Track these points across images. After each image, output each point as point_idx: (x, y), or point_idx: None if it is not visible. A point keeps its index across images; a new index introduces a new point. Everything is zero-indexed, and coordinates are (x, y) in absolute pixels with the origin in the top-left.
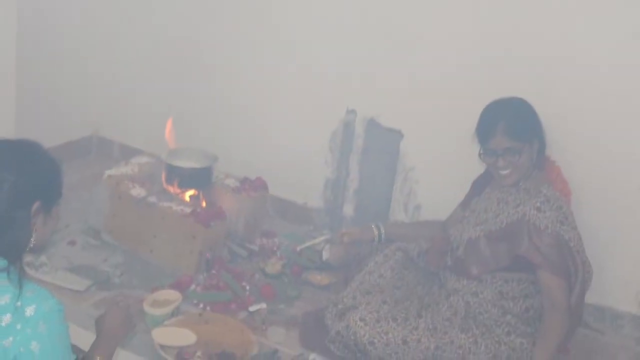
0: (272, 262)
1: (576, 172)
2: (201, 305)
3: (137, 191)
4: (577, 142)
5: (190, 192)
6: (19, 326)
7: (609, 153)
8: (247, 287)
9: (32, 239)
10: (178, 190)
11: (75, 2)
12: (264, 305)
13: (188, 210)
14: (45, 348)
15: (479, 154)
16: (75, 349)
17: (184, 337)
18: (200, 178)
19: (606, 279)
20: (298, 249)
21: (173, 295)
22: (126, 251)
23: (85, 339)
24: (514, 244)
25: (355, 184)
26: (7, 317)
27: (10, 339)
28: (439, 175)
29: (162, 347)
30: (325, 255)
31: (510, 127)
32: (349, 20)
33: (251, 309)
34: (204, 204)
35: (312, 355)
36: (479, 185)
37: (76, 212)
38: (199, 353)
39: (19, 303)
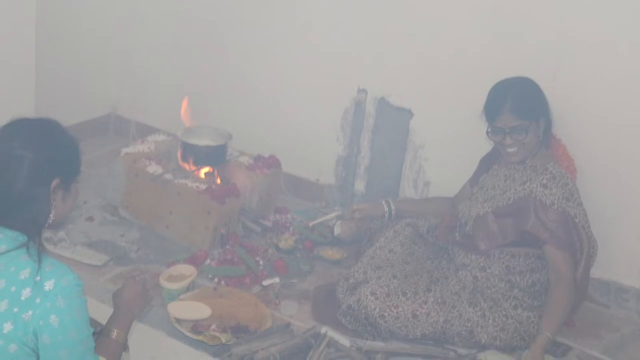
0: (285, 237)
1: (581, 149)
2: (216, 280)
3: (154, 168)
4: (582, 120)
5: (205, 169)
6: (38, 300)
7: (613, 130)
8: (261, 262)
9: (51, 215)
10: (193, 168)
11: None
12: (277, 280)
13: (203, 187)
14: (64, 321)
15: (487, 132)
16: (93, 322)
17: (199, 310)
18: (215, 156)
19: (611, 254)
20: (310, 224)
21: (188, 270)
22: (143, 227)
23: (103, 312)
24: (521, 220)
25: (366, 161)
26: (26, 291)
27: (30, 312)
28: (448, 152)
29: (178, 320)
30: (336, 230)
31: (517, 106)
32: (361, 1)
33: (265, 283)
34: (218, 181)
35: (324, 329)
36: (487, 163)
37: (94, 189)
38: (213, 326)
39: (38, 278)
